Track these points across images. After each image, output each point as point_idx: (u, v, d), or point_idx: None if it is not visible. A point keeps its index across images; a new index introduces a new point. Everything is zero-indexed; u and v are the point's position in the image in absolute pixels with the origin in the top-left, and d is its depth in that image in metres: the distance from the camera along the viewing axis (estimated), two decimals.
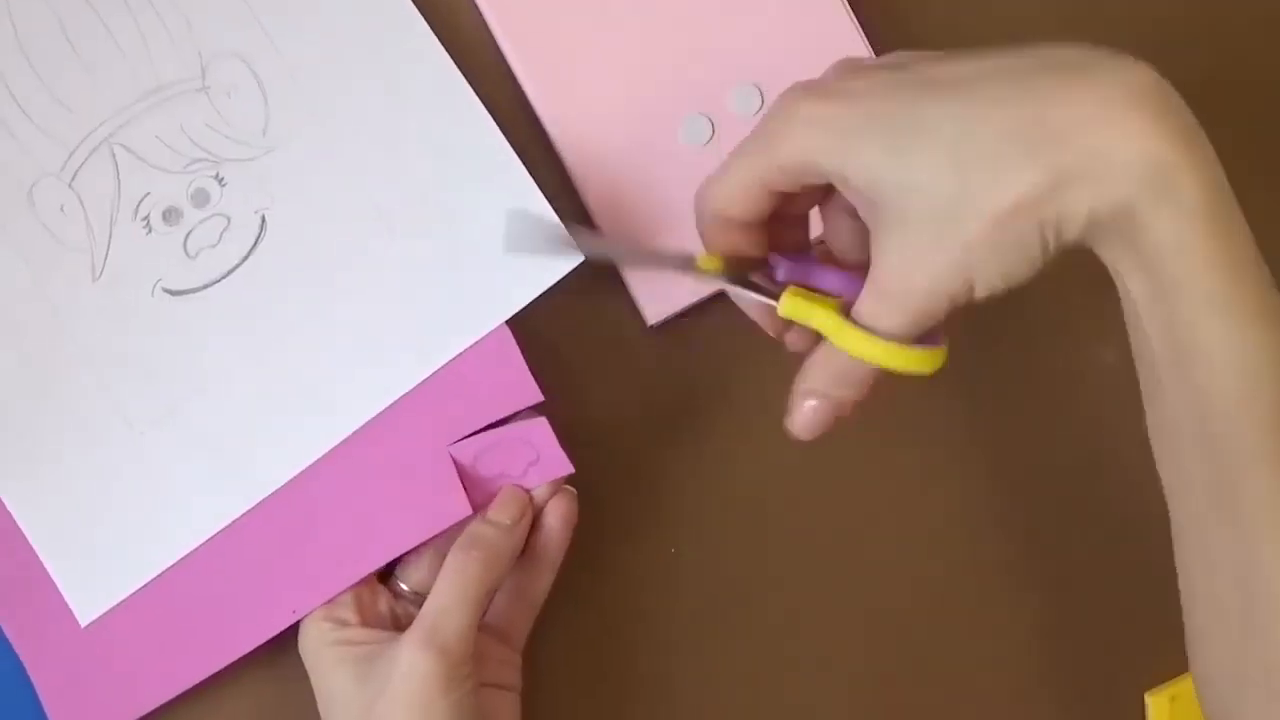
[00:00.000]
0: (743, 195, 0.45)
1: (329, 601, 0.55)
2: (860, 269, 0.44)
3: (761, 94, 0.58)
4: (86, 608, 0.56)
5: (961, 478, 0.59)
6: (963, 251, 0.41)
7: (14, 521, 0.56)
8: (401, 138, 0.58)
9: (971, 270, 0.41)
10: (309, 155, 0.58)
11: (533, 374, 0.57)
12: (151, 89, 0.58)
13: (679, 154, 0.58)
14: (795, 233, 0.49)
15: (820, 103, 0.43)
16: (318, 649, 0.53)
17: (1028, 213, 0.40)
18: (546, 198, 0.58)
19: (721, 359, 0.59)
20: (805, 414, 0.46)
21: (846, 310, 0.44)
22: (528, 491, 0.55)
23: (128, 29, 0.58)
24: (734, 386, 0.59)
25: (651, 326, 0.58)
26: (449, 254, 0.58)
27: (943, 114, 0.41)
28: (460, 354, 0.57)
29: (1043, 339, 0.60)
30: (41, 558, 0.56)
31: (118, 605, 0.56)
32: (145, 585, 0.56)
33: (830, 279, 0.46)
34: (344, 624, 0.54)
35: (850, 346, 0.43)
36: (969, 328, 0.60)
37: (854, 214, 0.45)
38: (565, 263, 0.58)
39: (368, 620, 0.54)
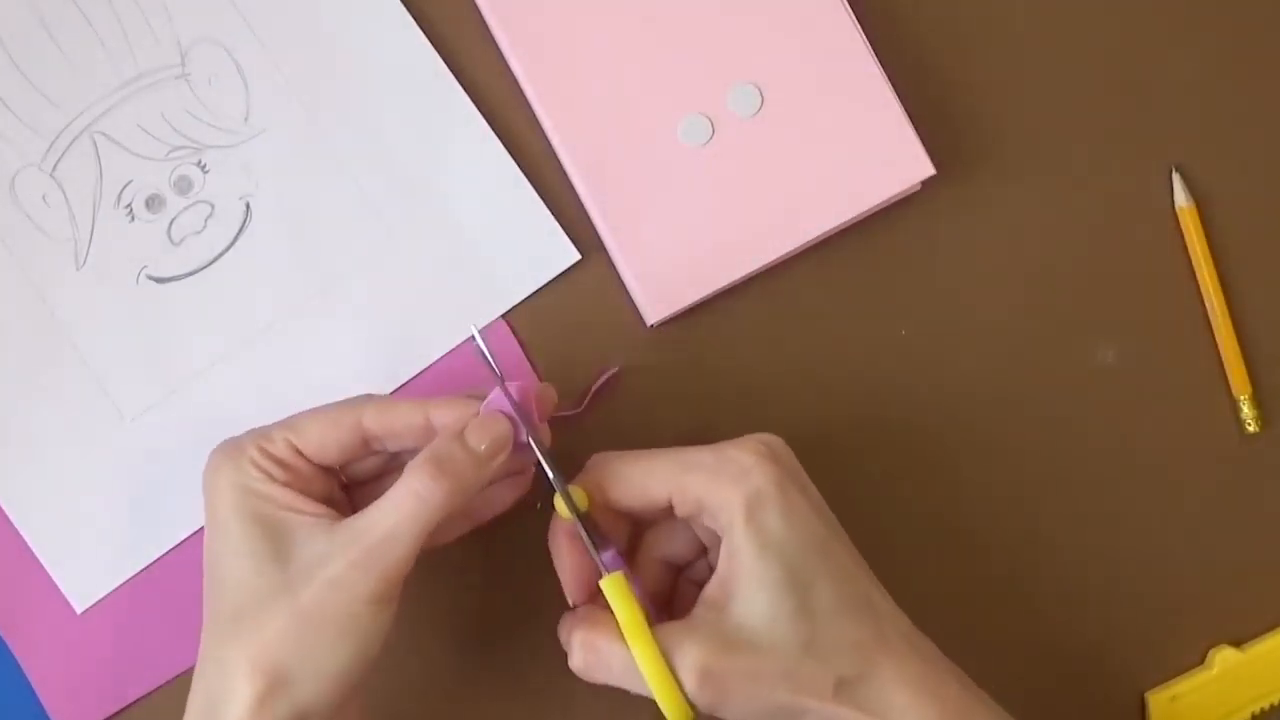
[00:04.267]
0: (648, 486, 0.50)
1: (262, 437, 0.49)
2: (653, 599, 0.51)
3: (761, 94, 0.57)
4: (81, 595, 0.56)
5: (962, 477, 0.59)
6: (762, 704, 0.46)
7: (3, 512, 0.56)
8: (386, 127, 0.58)
9: (751, 714, 0.47)
10: (292, 142, 0.58)
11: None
12: (131, 77, 0.57)
13: (678, 153, 0.57)
14: (623, 533, 0.52)
15: (769, 483, 0.48)
16: (233, 491, 0.48)
17: (814, 707, 0.47)
18: (545, 197, 0.58)
19: (721, 359, 0.59)
20: (575, 661, 0.49)
21: (648, 621, 0.47)
22: (511, 423, 0.50)
23: (106, 17, 0.58)
24: (733, 386, 0.59)
25: (651, 326, 0.57)
26: (442, 247, 0.58)
27: (828, 591, 0.48)
28: (457, 347, 0.57)
29: (1043, 339, 0.59)
30: (32, 547, 0.56)
31: (111, 592, 0.56)
32: (139, 572, 0.56)
33: (640, 596, 0.48)
34: (270, 478, 0.48)
35: (639, 653, 0.46)
36: (969, 327, 0.59)
37: (667, 564, 0.53)
38: (561, 259, 0.58)
39: (297, 483, 0.49)
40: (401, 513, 0.47)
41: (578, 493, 0.50)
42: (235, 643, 0.47)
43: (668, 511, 0.50)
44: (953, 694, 0.48)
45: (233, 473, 0.48)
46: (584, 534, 0.49)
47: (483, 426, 0.49)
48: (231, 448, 0.49)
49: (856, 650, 0.47)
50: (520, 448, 0.50)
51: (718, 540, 0.49)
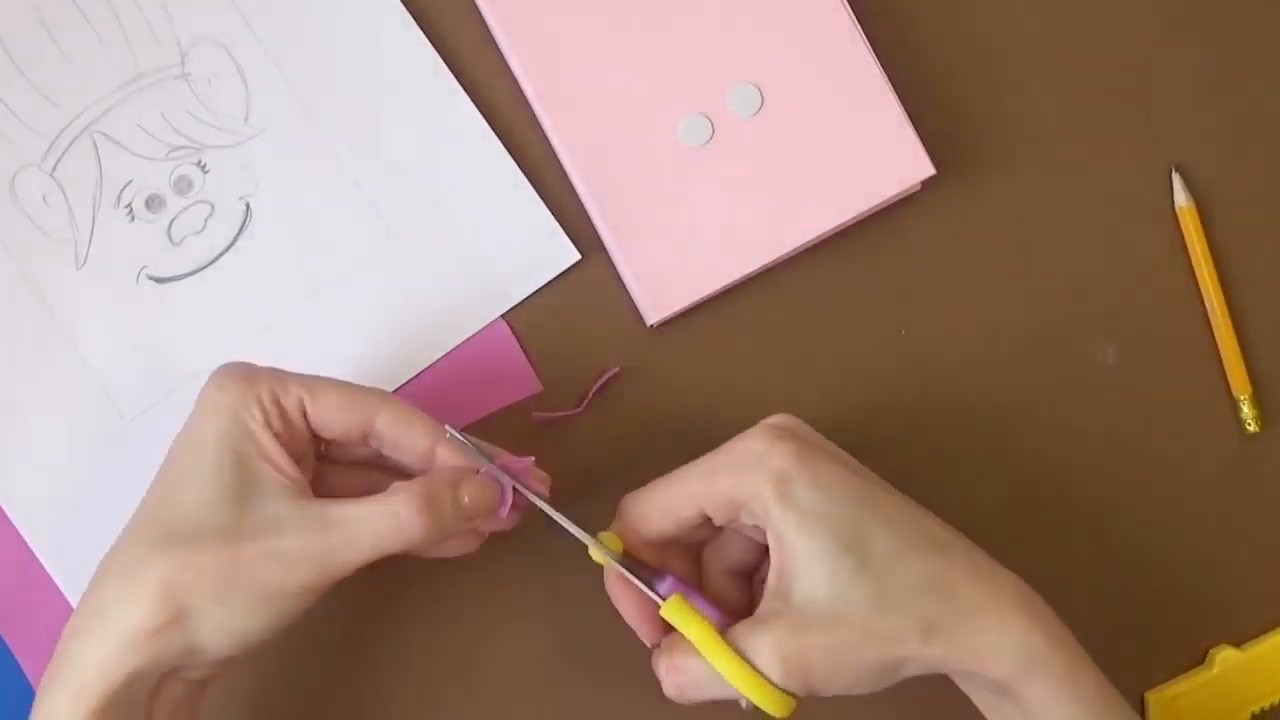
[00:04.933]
0: (676, 507, 0.50)
1: (278, 383, 0.48)
2: (732, 612, 0.50)
3: (761, 94, 0.57)
4: (80, 595, 0.56)
5: (962, 477, 0.59)
6: (855, 668, 0.47)
7: (3, 512, 0.56)
8: (386, 127, 0.58)
9: (849, 682, 0.47)
10: (292, 142, 0.58)
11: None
12: (131, 77, 0.57)
13: (678, 153, 0.57)
14: (685, 562, 0.53)
15: (789, 460, 0.48)
16: (227, 417, 0.47)
17: (911, 654, 0.47)
18: (545, 197, 0.58)
19: (721, 359, 0.59)
20: (667, 688, 0.50)
21: (719, 632, 0.48)
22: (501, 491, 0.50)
23: (106, 17, 0.58)
24: (733, 386, 0.58)
25: (651, 326, 0.57)
26: (442, 247, 0.58)
27: (884, 537, 0.47)
28: (458, 346, 0.57)
29: (1043, 339, 0.59)
30: (32, 547, 0.56)
31: None
32: None
33: (706, 608, 0.49)
34: (267, 424, 0.48)
35: (718, 662, 0.47)
36: (969, 327, 0.59)
37: (736, 574, 0.53)
38: (561, 259, 0.58)
39: (287, 441, 0.48)
40: (373, 526, 0.47)
41: (609, 538, 0.50)
42: (154, 560, 0.46)
43: (710, 525, 0.51)
44: (1049, 619, 0.48)
45: (235, 401, 0.48)
46: (626, 573, 0.49)
47: (478, 488, 0.49)
48: (245, 376, 0.49)
49: (930, 588, 0.47)
50: (515, 508, 0.50)
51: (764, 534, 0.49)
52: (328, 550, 0.46)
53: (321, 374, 0.50)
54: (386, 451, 0.51)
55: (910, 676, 0.48)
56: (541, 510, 0.50)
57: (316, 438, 0.50)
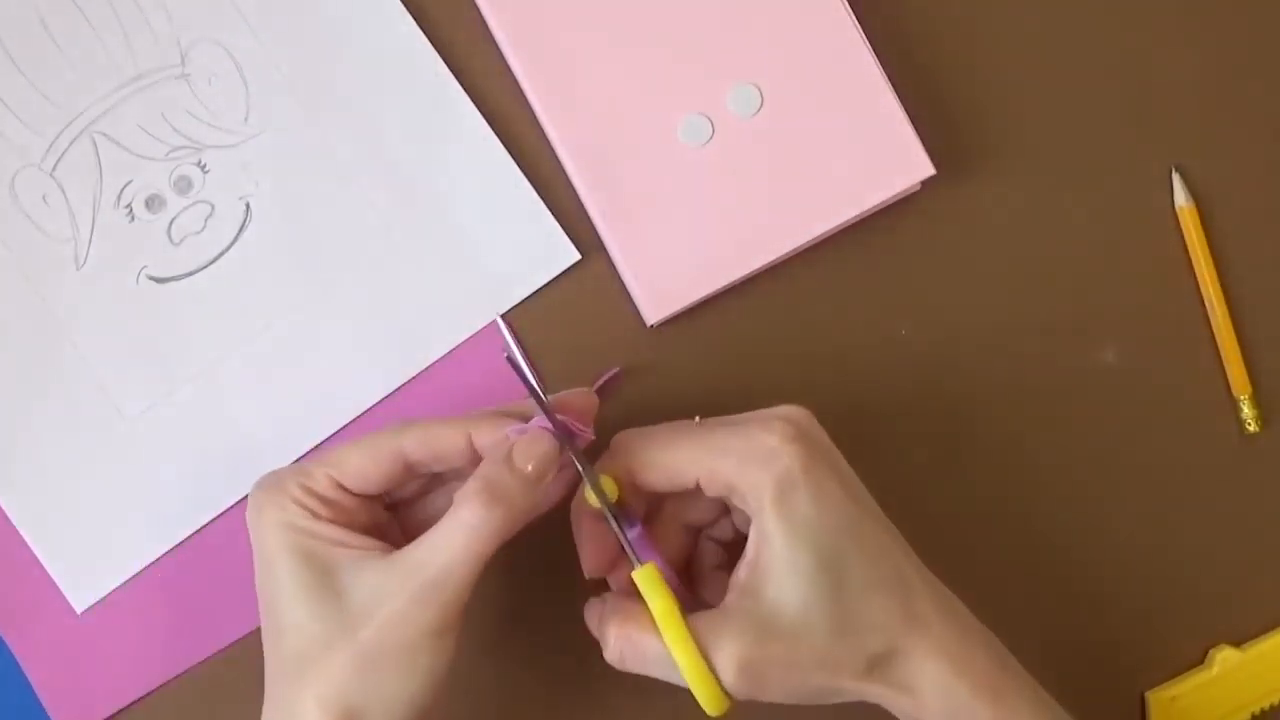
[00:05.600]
0: (676, 471, 0.50)
1: (302, 474, 0.49)
2: (671, 560, 0.51)
3: (761, 94, 0.57)
4: (81, 595, 0.56)
5: (962, 477, 0.59)
6: (799, 687, 0.47)
7: (3, 512, 0.56)
8: (386, 127, 0.58)
9: (787, 697, 0.47)
10: (292, 142, 0.58)
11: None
12: (131, 77, 0.57)
13: (678, 153, 0.57)
14: (642, 500, 0.52)
15: (796, 465, 0.48)
16: (279, 530, 0.48)
17: (850, 686, 0.47)
18: (545, 197, 0.58)
19: (721, 359, 0.59)
20: (611, 654, 0.49)
21: (683, 614, 0.47)
22: (557, 440, 0.49)
23: (106, 17, 0.58)
24: (733, 386, 0.59)
25: (651, 326, 0.58)
26: (441, 247, 0.58)
27: (861, 569, 0.48)
28: (458, 346, 0.57)
29: (1043, 339, 0.59)
30: (32, 547, 0.56)
31: (111, 592, 0.56)
32: (139, 572, 0.56)
33: (671, 579, 0.49)
34: (314, 515, 0.48)
35: (675, 647, 0.46)
36: (969, 327, 0.59)
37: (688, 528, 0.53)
38: (561, 259, 0.58)
39: (342, 518, 0.49)
40: (456, 545, 0.47)
41: (608, 483, 0.50)
42: (302, 686, 0.46)
43: (695, 490, 0.50)
44: (982, 666, 0.48)
45: (277, 512, 0.48)
46: (614, 523, 0.49)
47: (529, 447, 0.48)
48: (272, 487, 0.49)
49: (886, 627, 0.47)
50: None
51: (745, 515, 0.49)
52: (431, 588, 0.46)
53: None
54: (436, 469, 0.51)
55: (838, 703, 0.48)
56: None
57: (373, 498, 0.50)
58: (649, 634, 0.47)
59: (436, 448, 0.49)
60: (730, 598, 0.48)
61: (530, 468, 0.48)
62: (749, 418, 0.50)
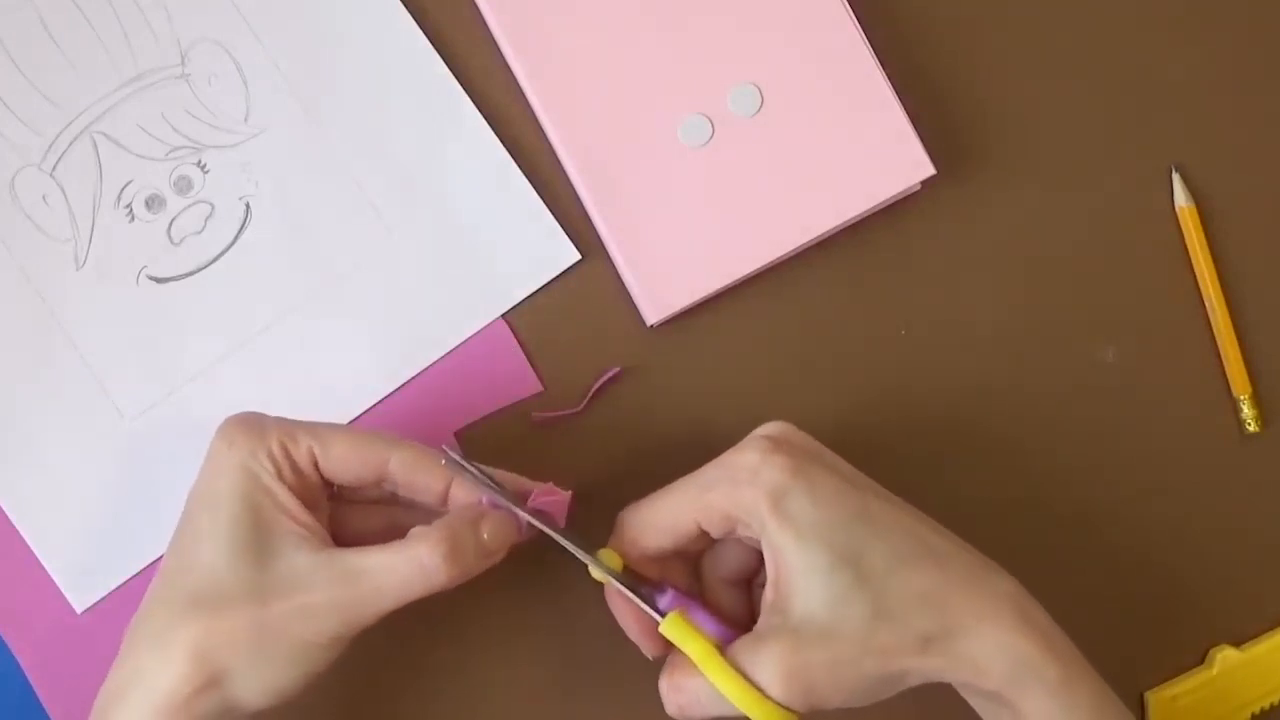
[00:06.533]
0: (672, 522, 0.50)
1: (287, 435, 0.48)
2: (734, 624, 0.50)
3: (761, 94, 0.57)
4: (81, 595, 0.56)
5: (961, 477, 0.59)
6: (856, 682, 0.47)
7: (3, 512, 0.56)
8: (386, 127, 0.58)
9: (850, 696, 0.47)
10: (292, 142, 0.58)
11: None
12: (131, 77, 0.57)
13: (678, 154, 0.57)
14: (684, 573, 0.53)
15: (783, 473, 0.48)
16: (240, 472, 0.47)
17: (910, 666, 0.47)
18: (545, 198, 0.58)
19: (721, 359, 0.59)
20: (670, 707, 0.49)
21: (719, 649, 0.48)
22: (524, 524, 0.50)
23: (106, 17, 0.58)
24: (733, 386, 0.59)
25: (651, 326, 0.57)
26: (441, 247, 0.58)
27: (880, 550, 0.47)
28: (458, 346, 0.57)
29: (1043, 339, 0.59)
30: (32, 547, 0.56)
31: (111, 592, 0.56)
32: (139, 572, 0.56)
33: (706, 622, 0.49)
34: (279, 476, 0.48)
35: (719, 681, 0.47)
36: (969, 327, 0.59)
37: (734, 582, 0.53)
38: (561, 259, 0.58)
39: (301, 491, 0.48)
40: (399, 576, 0.47)
41: (608, 555, 0.50)
42: (185, 625, 0.46)
43: (707, 537, 0.50)
44: (1040, 622, 0.48)
45: (246, 455, 0.48)
46: (626, 591, 0.49)
47: (498, 527, 0.49)
48: (253, 429, 0.48)
49: (925, 600, 0.47)
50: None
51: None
52: (356, 601, 0.46)
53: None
54: (401, 493, 0.51)
55: (912, 686, 0.48)
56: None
57: (328, 483, 0.50)
58: (694, 676, 0.48)
59: (419, 479, 0.50)
60: (762, 621, 0.48)
61: (488, 539, 0.48)
62: (726, 452, 0.50)
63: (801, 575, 0.47)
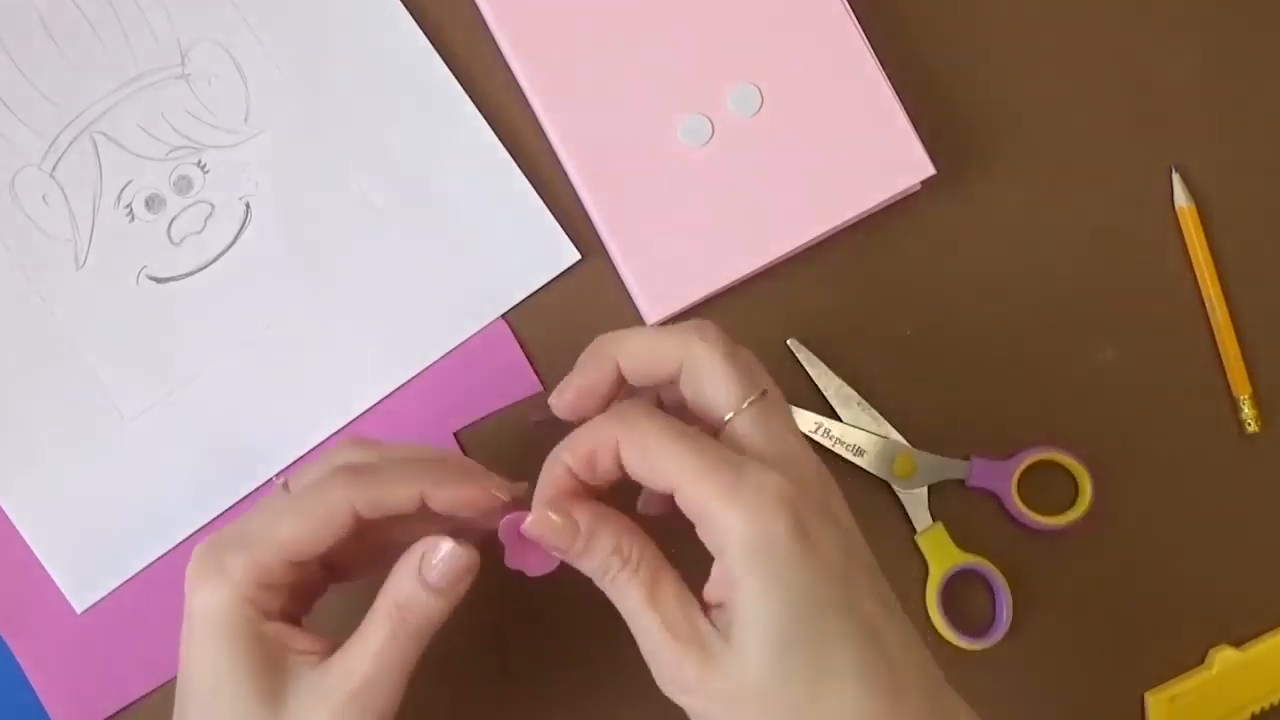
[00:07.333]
0: (660, 474, 0.43)
1: (254, 563, 0.45)
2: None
3: (761, 94, 0.57)
4: (81, 595, 0.56)
5: None
6: None
7: (3, 512, 0.56)
8: (386, 127, 0.58)
9: None
10: (292, 143, 0.58)
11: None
12: (132, 77, 0.57)
13: (678, 153, 0.57)
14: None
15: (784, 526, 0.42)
16: (226, 627, 0.45)
17: None
18: (545, 198, 0.58)
19: None
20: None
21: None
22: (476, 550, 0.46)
23: (106, 17, 0.58)
24: None
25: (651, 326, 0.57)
26: (442, 247, 0.58)
27: (842, 659, 0.42)
28: (458, 346, 0.58)
29: (1043, 339, 0.59)
30: (32, 547, 0.56)
31: (111, 592, 0.56)
32: (139, 572, 0.56)
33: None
34: (266, 613, 0.45)
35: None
36: (970, 327, 0.59)
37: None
38: (561, 259, 0.58)
39: (294, 600, 0.47)
40: (374, 657, 0.45)
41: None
42: None
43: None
44: None
45: (222, 608, 0.45)
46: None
47: (452, 571, 0.46)
48: (216, 575, 0.45)
49: None
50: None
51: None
52: (352, 703, 0.45)
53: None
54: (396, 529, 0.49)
55: None
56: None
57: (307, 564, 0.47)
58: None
59: (387, 506, 0.46)
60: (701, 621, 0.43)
61: (436, 577, 0.45)
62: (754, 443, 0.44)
63: (753, 631, 0.42)
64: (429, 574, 0.45)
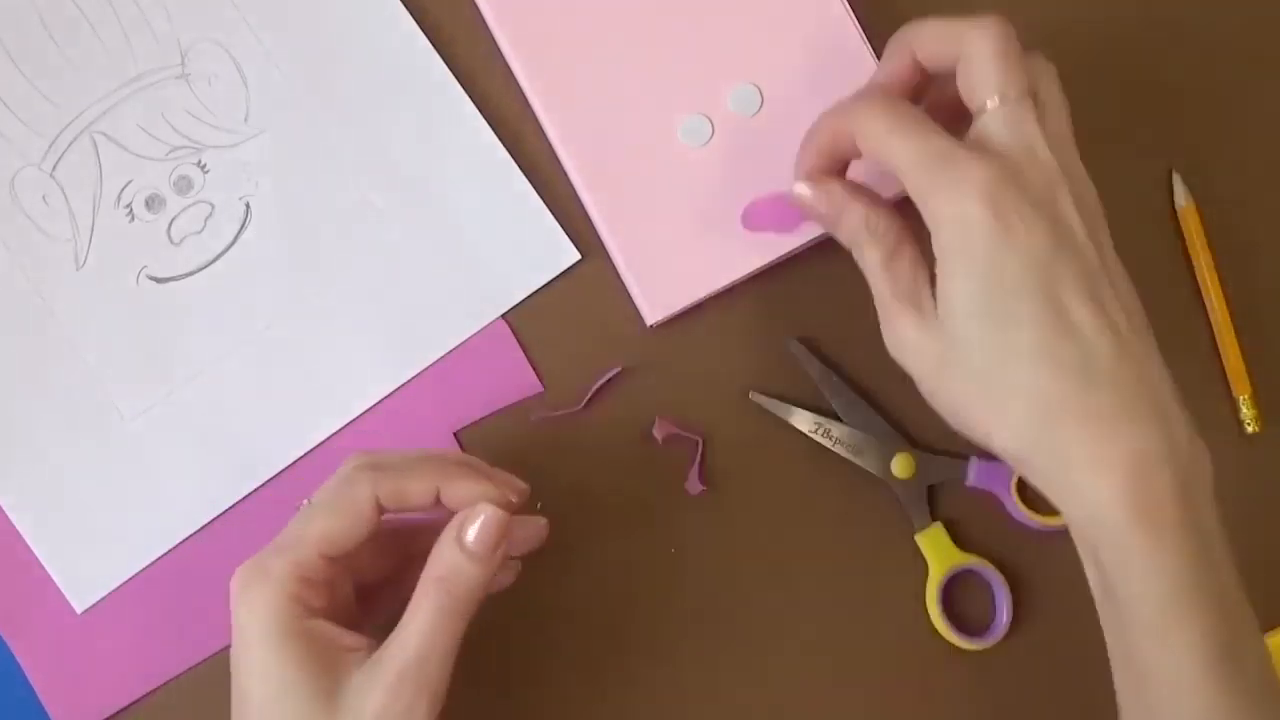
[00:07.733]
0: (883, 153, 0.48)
1: (294, 562, 0.47)
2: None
3: (761, 94, 0.57)
4: (81, 595, 0.56)
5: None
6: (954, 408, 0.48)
7: (3, 512, 0.56)
8: (386, 127, 0.58)
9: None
10: (292, 143, 0.58)
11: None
12: (132, 77, 0.57)
13: (678, 154, 0.57)
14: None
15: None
16: (276, 628, 0.46)
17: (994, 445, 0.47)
18: (545, 198, 0.58)
19: (720, 359, 0.59)
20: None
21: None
22: (506, 511, 0.48)
23: (106, 17, 0.58)
24: (733, 387, 0.58)
25: (651, 326, 0.58)
26: (442, 247, 0.58)
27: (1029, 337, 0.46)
28: (458, 346, 0.58)
29: None
30: (32, 546, 0.56)
31: (111, 592, 0.56)
32: (139, 572, 0.57)
33: None
34: (311, 610, 0.47)
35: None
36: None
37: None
38: (561, 259, 0.58)
39: (334, 610, 0.48)
40: (424, 634, 0.46)
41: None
42: None
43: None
44: (1151, 491, 0.45)
45: (269, 611, 0.46)
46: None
47: (484, 531, 0.47)
48: (261, 580, 0.47)
49: (1042, 401, 0.46)
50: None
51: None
52: (406, 682, 0.45)
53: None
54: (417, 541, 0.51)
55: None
56: None
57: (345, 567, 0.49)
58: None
59: (406, 496, 0.48)
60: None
61: (484, 550, 0.47)
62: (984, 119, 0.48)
63: (953, 297, 0.47)
64: (468, 538, 0.47)
